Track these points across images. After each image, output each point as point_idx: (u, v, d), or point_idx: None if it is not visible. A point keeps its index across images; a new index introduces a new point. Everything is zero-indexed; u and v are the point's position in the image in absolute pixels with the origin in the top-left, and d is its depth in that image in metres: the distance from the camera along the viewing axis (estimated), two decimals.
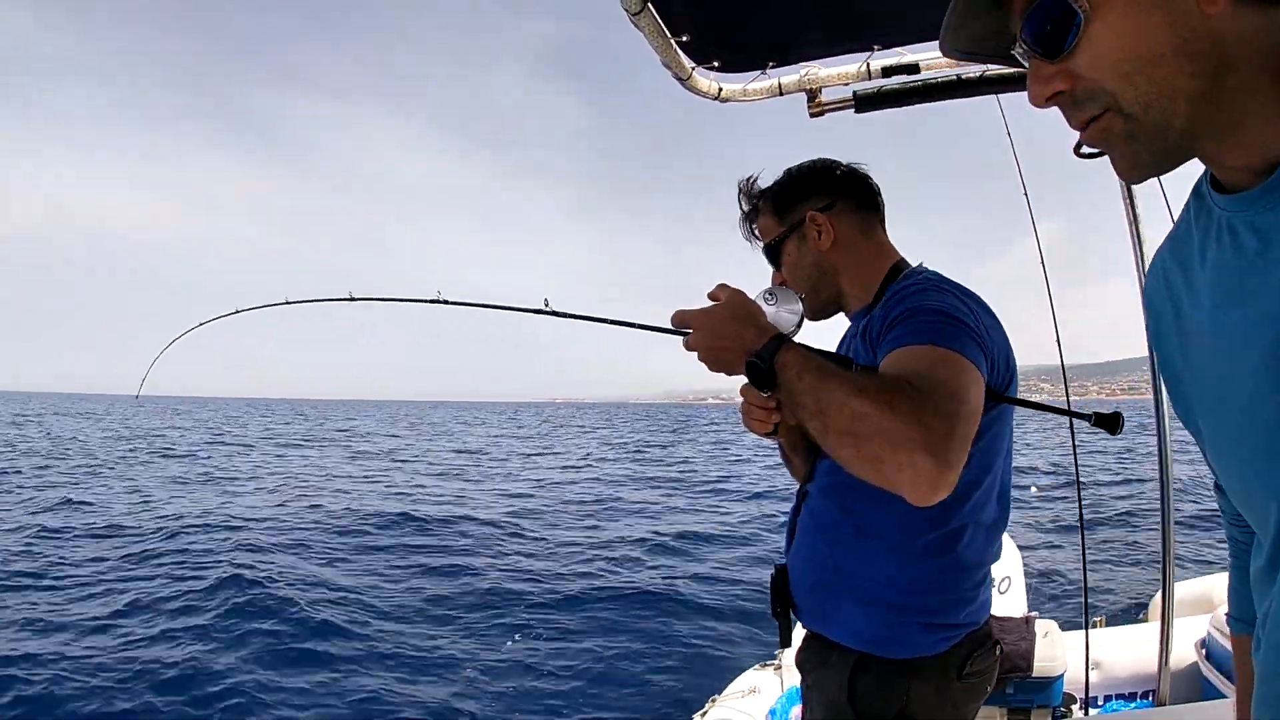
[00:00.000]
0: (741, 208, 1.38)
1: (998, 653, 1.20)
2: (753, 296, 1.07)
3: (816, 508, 1.24)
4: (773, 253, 1.33)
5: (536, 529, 10.62)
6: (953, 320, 1.01)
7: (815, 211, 1.27)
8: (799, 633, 1.30)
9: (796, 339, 1.05)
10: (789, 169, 1.35)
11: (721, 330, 0.97)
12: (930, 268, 1.28)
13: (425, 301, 1.54)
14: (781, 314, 1.12)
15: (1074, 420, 1.34)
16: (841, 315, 1.35)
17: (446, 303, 1.53)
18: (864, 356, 1.13)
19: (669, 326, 1.05)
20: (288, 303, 1.79)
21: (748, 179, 1.36)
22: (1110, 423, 1.20)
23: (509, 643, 5.84)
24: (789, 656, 2.30)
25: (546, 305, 1.33)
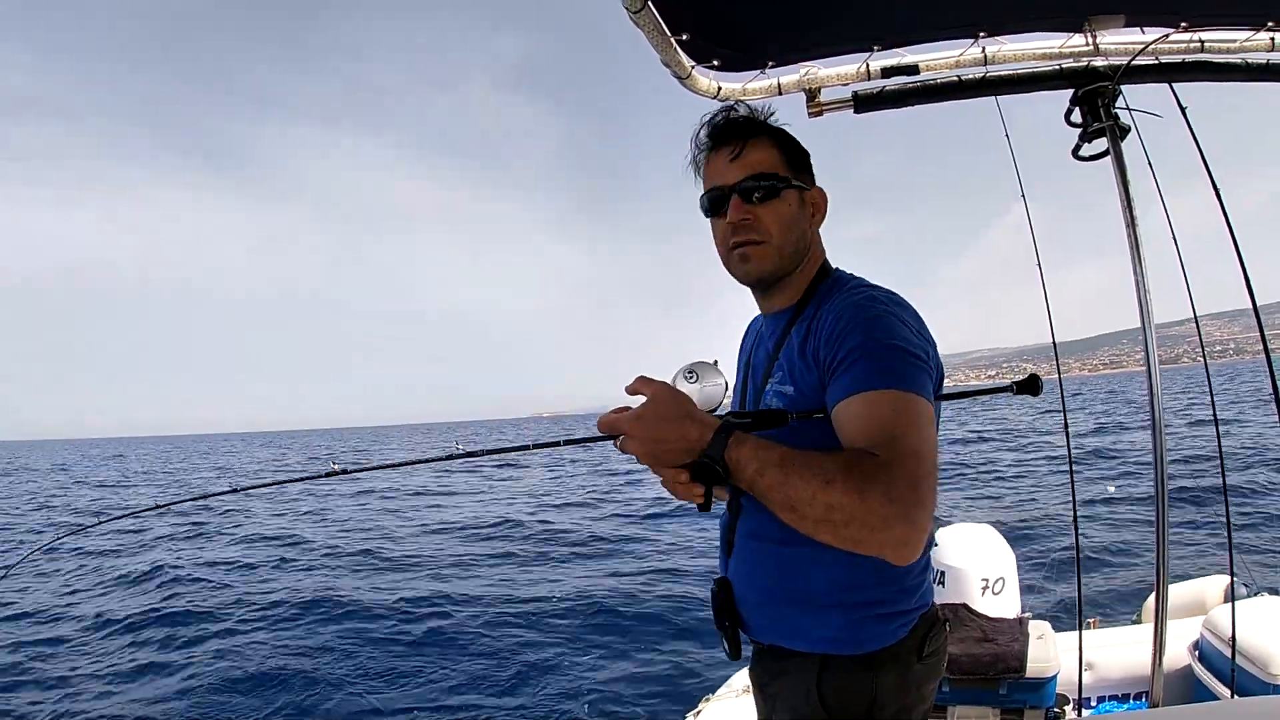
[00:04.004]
0: (736, 114, 1.19)
1: (947, 629, 1.20)
2: (672, 380, 1.03)
3: (754, 520, 1.19)
4: (765, 187, 1.14)
5: (532, 533, 10.63)
6: (906, 355, 0.98)
7: (820, 189, 1.21)
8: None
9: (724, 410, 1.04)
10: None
11: (659, 434, 0.92)
12: (847, 271, 1.23)
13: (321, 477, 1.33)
14: (707, 390, 1.06)
15: (1067, 421, 1.35)
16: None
17: (346, 472, 1.32)
18: (804, 375, 1.09)
19: (599, 435, 0.98)
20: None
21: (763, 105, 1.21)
22: (1030, 386, 1.32)
23: (501, 643, 5.84)
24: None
25: (458, 448, 1.30)
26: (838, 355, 1.01)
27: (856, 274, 1.23)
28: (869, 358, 0.98)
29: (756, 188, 1.13)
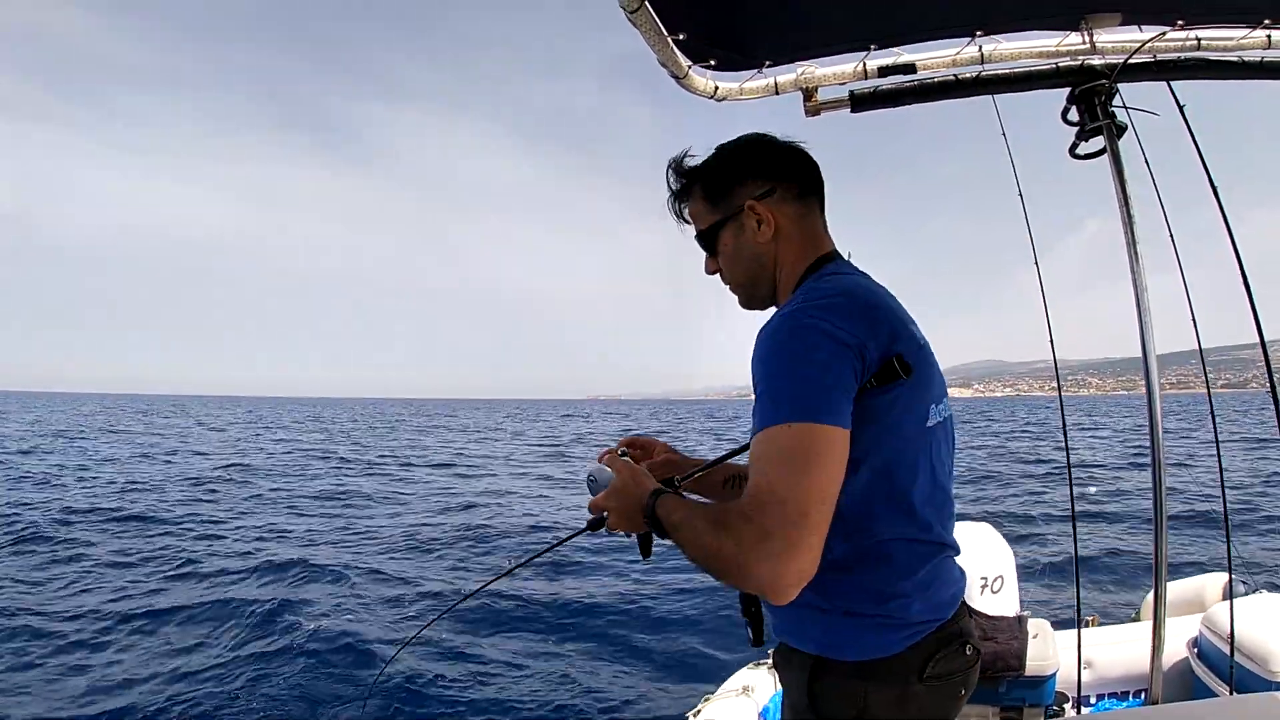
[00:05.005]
0: (670, 186, 1.28)
1: (967, 652, 1.12)
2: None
3: None
4: (707, 241, 1.25)
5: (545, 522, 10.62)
6: (794, 380, 0.98)
7: (754, 201, 1.18)
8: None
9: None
10: (721, 146, 1.24)
11: (624, 503, 1.13)
12: (846, 264, 1.20)
13: None
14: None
15: (1064, 415, 1.34)
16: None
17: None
18: None
19: (591, 519, 1.19)
20: None
21: (680, 155, 1.27)
22: None
23: (502, 643, 5.84)
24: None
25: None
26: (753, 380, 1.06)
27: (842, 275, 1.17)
28: (760, 396, 1.01)
29: (704, 247, 1.27)
